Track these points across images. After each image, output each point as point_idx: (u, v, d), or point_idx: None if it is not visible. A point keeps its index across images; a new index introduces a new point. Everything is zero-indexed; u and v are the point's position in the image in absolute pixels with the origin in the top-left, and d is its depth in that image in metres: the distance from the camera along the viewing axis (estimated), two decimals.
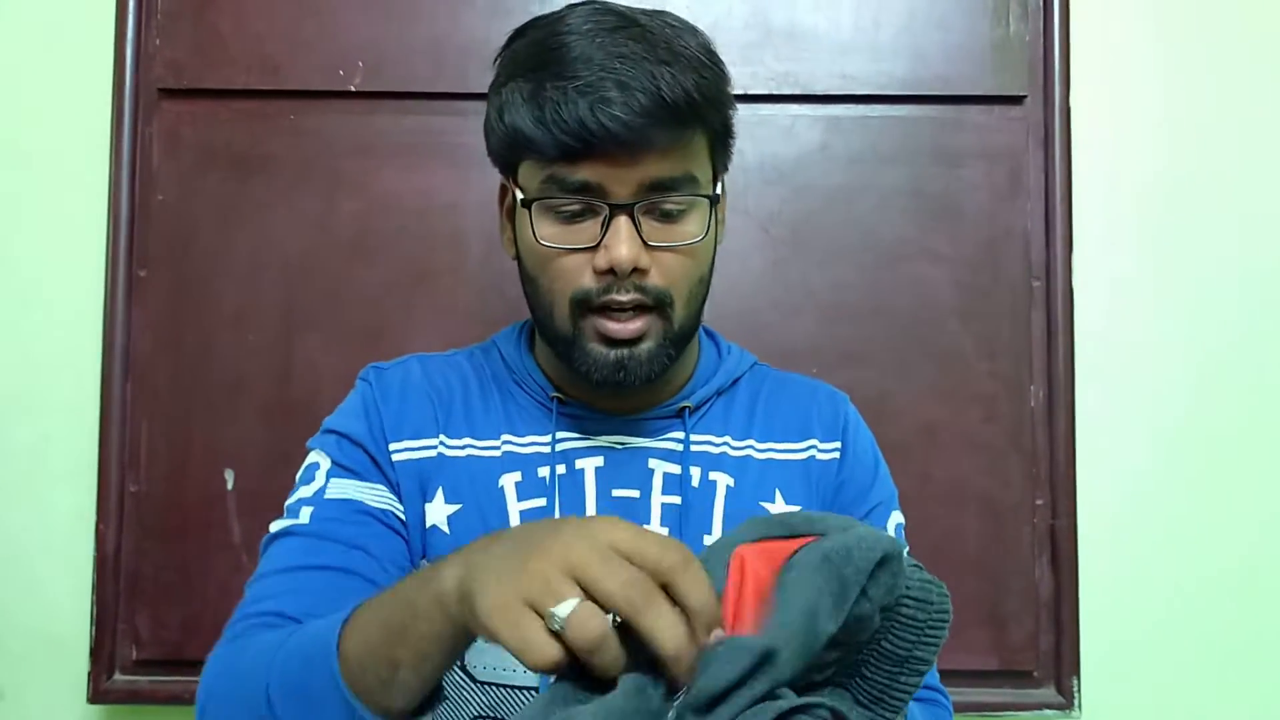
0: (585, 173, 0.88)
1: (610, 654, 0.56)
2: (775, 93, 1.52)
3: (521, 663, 0.56)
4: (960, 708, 1.22)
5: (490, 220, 1.37)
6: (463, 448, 0.99)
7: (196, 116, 1.51)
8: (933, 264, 1.52)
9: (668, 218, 0.92)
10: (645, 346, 0.92)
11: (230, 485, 1.47)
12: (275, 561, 0.91)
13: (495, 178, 1.03)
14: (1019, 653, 1.48)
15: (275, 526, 0.95)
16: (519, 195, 0.94)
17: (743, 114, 1.51)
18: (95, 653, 1.46)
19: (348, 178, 1.50)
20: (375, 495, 0.96)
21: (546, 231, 0.91)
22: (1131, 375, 1.55)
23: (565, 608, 0.56)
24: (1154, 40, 1.57)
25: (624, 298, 0.90)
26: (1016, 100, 1.53)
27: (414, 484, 0.98)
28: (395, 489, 0.98)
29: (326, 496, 0.95)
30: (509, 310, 1.38)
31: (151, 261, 1.50)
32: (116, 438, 1.48)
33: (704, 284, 0.98)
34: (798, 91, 1.52)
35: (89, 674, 1.47)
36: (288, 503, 0.96)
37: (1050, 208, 1.51)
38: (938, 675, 1.01)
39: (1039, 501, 1.50)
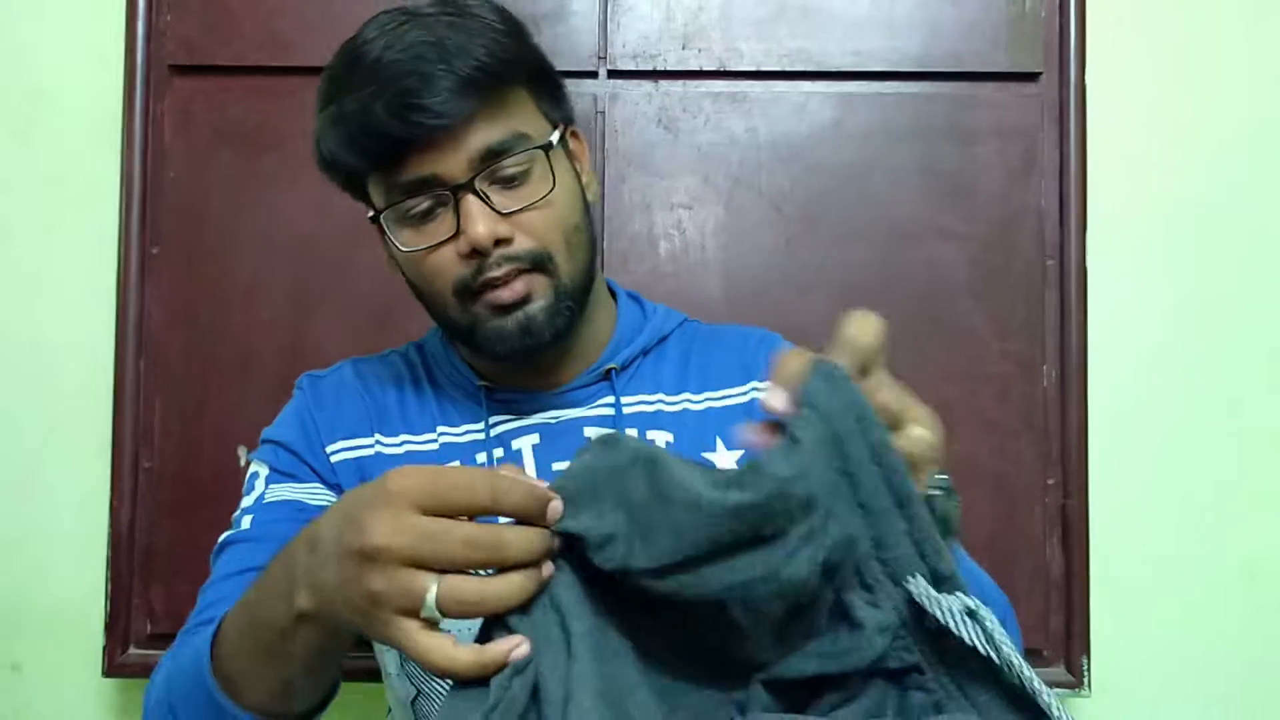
0: (415, 169, 0.88)
1: (503, 593, 0.55)
2: (788, 69, 1.51)
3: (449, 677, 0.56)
4: None
5: None
6: (400, 444, 1.00)
7: (208, 93, 1.51)
8: (946, 243, 1.51)
9: (512, 182, 0.91)
10: (538, 305, 0.92)
11: (243, 461, 1.47)
12: (220, 569, 0.93)
13: None
14: (1029, 632, 1.48)
15: (222, 537, 0.96)
16: (370, 215, 0.94)
17: (755, 91, 1.52)
18: (110, 627, 1.48)
19: None
20: (313, 494, 0.97)
21: (406, 238, 0.92)
22: (1145, 355, 1.55)
23: (430, 599, 0.55)
24: (1170, 17, 1.56)
25: (498, 273, 0.90)
26: (1031, 77, 1.52)
27: (355, 482, 0.98)
28: (334, 488, 0.99)
29: (265, 501, 0.96)
30: None
31: (163, 238, 1.50)
32: (130, 414, 1.48)
33: (580, 232, 0.96)
34: (811, 68, 1.52)
35: (104, 648, 1.48)
36: (234, 515, 0.98)
37: (1065, 186, 1.50)
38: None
39: (1050, 481, 1.49)
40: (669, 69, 1.52)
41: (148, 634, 1.48)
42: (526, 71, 0.94)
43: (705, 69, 1.52)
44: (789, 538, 0.52)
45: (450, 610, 0.55)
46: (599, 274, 1.03)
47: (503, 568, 0.56)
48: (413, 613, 0.55)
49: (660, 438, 1.00)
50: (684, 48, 1.52)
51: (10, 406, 1.54)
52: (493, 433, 1.00)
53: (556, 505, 0.56)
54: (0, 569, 1.54)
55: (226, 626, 0.74)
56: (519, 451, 0.99)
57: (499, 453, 0.99)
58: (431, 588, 0.55)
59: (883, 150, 1.51)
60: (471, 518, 0.57)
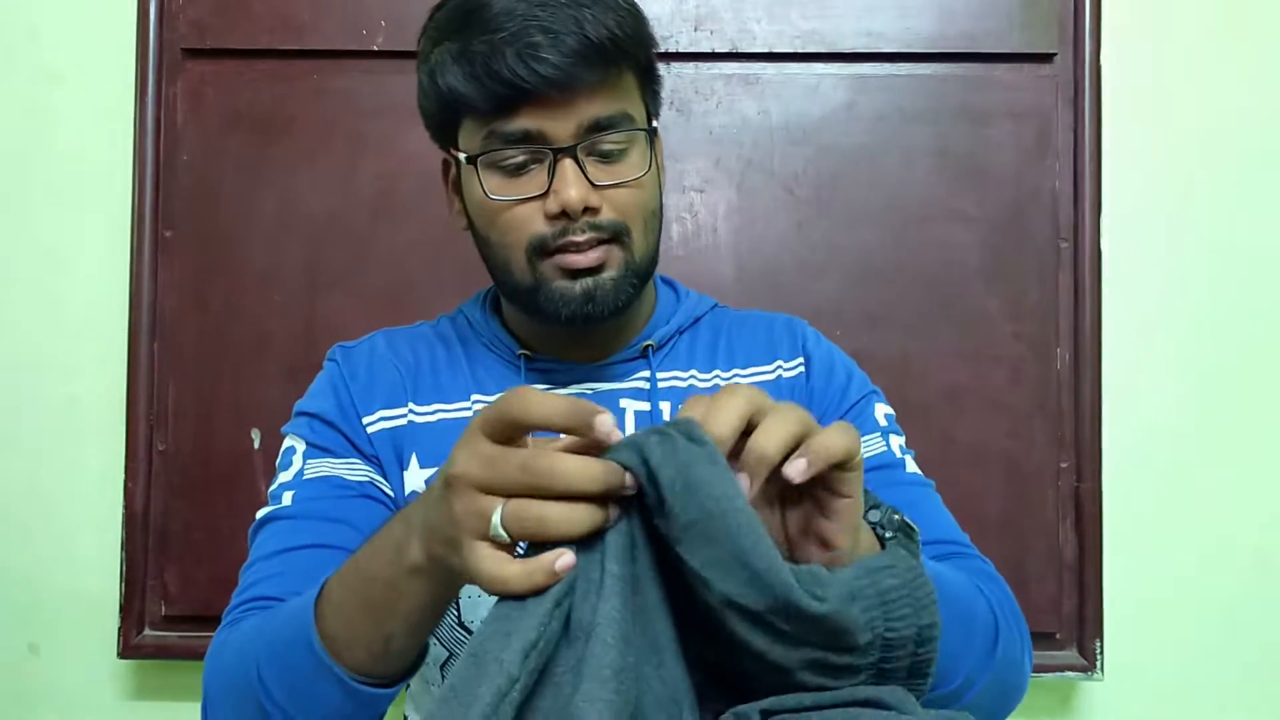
0: (523, 122, 0.89)
1: (563, 517, 0.56)
2: (801, 51, 1.51)
3: (511, 596, 0.57)
4: None
5: None
6: (433, 413, 1.01)
7: (220, 76, 1.51)
8: (959, 225, 1.50)
9: (609, 158, 0.93)
10: (609, 275, 0.93)
11: (257, 444, 1.48)
12: (262, 547, 0.93)
13: None
14: (1042, 615, 1.48)
15: (261, 514, 0.96)
16: (462, 157, 0.95)
17: (768, 73, 1.52)
18: (125, 609, 1.49)
19: (371, 137, 1.50)
20: (351, 469, 0.97)
21: (494, 186, 0.93)
22: (1158, 338, 1.54)
23: (495, 518, 0.57)
24: None
25: (580, 237, 0.91)
26: (1046, 58, 1.51)
27: (390, 453, 0.99)
28: (372, 460, 0.99)
29: (305, 477, 0.96)
30: None
31: (177, 222, 1.51)
32: (144, 397, 1.49)
33: (657, 218, 0.99)
34: (823, 50, 1.51)
35: (119, 630, 1.49)
36: (270, 489, 0.98)
37: (1079, 168, 1.50)
38: (958, 528, 0.99)
39: (1063, 464, 1.49)
40: (681, 51, 1.52)
41: (162, 615, 1.49)
42: (643, 59, 0.96)
43: (717, 51, 1.52)
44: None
45: (512, 530, 0.57)
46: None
47: (568, 498, 0.57)
48: (485, 535, 0.58)
49: None
50: (696, 29, 1.51)
51: (25, 389, 1.55)
52: None
53: (603, 419, 0.56)
54: (16, 551, 1.55)
55: (332, 586, 0.75)
56: None
57: None
58: (498, 509, 0.57)
59: (895, 132, 1.51)
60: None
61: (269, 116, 1.51)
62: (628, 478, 0.56)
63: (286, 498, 0.95)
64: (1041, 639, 1.48)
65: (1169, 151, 1.54)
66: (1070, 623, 1.49)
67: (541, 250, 0.92)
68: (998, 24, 1.50)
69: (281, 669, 0.75)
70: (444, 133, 0.98)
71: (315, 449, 0.98)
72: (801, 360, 1.06)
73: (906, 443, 1.05)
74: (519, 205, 0.92)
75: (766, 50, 1.51)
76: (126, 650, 1.49)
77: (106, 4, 1.53)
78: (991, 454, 1.49)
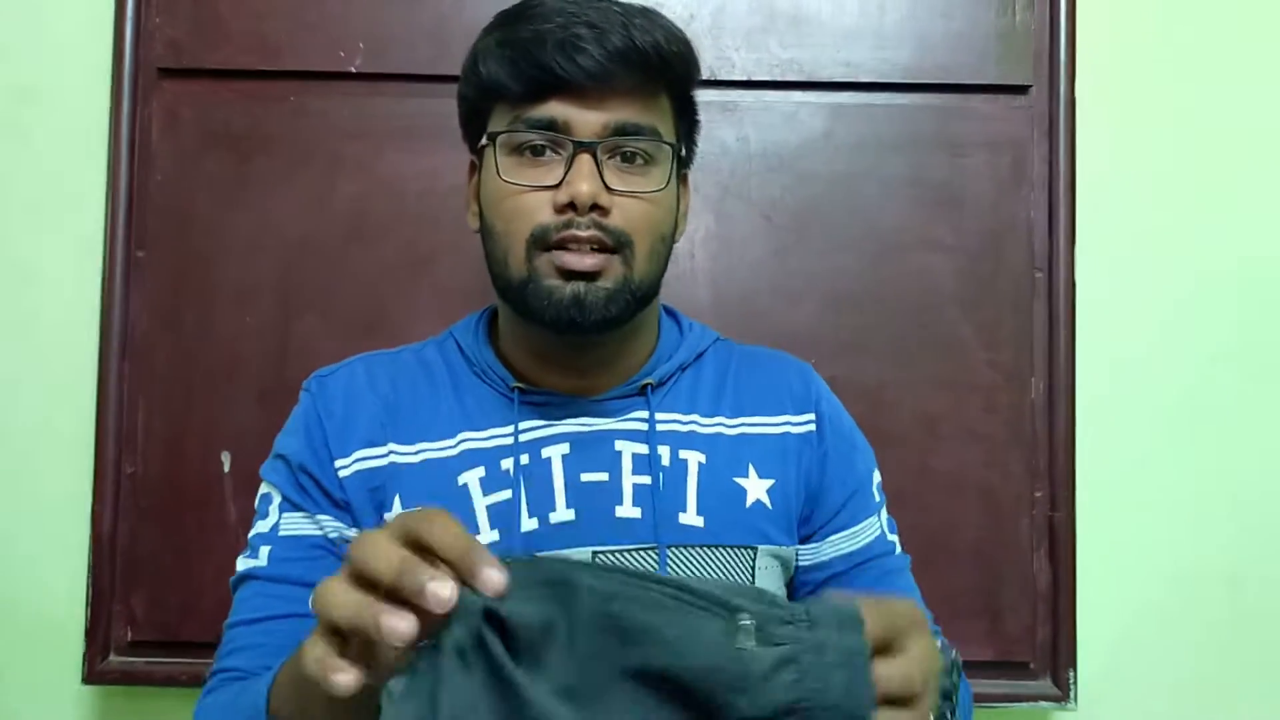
0: (552, 110, 0.91)
1: (339, 600, 0.58)
2: (779, 79, 1.52)
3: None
4: None
5: None
6: (417, 453, 0.98)
7: (196, 96, 1.50)
8: (935, 253, 1.51)
9: (630, 166, 0.93)
10: (602, 284, 0.92)
11: (227, 467, 1.46)
12: (242, 610, 0.95)
13: None
14: (1016, 644, 1.48)
15: (241, 565, 0.97)
16: (484, 140, 0.95)
17: (746, 100, 1.52)
18: (90, 633, 1.46)
19: (348, 159, 1.49)
20: (323, 525, 0.97)
21: (509, 168, 0.93)
22: (1132, 368, 1.55)
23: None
24: (1160, 30, 1.57)
25: (583, 233, 0.91)
26: (1021, 90, 1.52)
27: (365, 496, 0.97)
28: (346, 508, 0.97)
29: (281, 534, 0.97)
30: None
31: (150, 242, 1.49)
32: (113, 418, 1.47)
33: (665, 243, 0.98)
34: (801, 78, 1.52)
35: (84, 655, 1.46)
36: (250, 534, 0.98)
37: (1054, 198, 1.51)
38: (925, 608, 0.97)
39: (1038, 493, 1.49)
40: None
41: (128, 641, 1.47)
42: (683, 87, 0.98)
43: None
44: None
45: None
46: (658, 297, 1.04)
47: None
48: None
49: (693, 458, 0.99)
50: None
51: None
52: (521, 439, 0.98)
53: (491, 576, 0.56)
54: None
55: (281, 674, 0.78)
56: (548, 460, 0.98)
57: (526, 459, 0.98)
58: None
59: (872, 161, 1.51)
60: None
61: (244, 137, 1.50)
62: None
63: (263, 554, 0.96)
64: (1015, 668, 1.48)
65: (1142, 182, 1.56)
66: (1044, 652, 1.49)
67: (542, 242, 0.91)
68: (974, 56, 1.52)
69: None
70: (476, 123, 0.98)
71: (289, 504, 0.97)
72: (813, 417, 1.05)
73: (887, 507, 1.06)
74: (529, 192, 0.92)
75: (745, 78, 1.52)
76: (91, 676, 1.46)
77: (81, 22, 1.52)
78: (966, 482, 1.49)
